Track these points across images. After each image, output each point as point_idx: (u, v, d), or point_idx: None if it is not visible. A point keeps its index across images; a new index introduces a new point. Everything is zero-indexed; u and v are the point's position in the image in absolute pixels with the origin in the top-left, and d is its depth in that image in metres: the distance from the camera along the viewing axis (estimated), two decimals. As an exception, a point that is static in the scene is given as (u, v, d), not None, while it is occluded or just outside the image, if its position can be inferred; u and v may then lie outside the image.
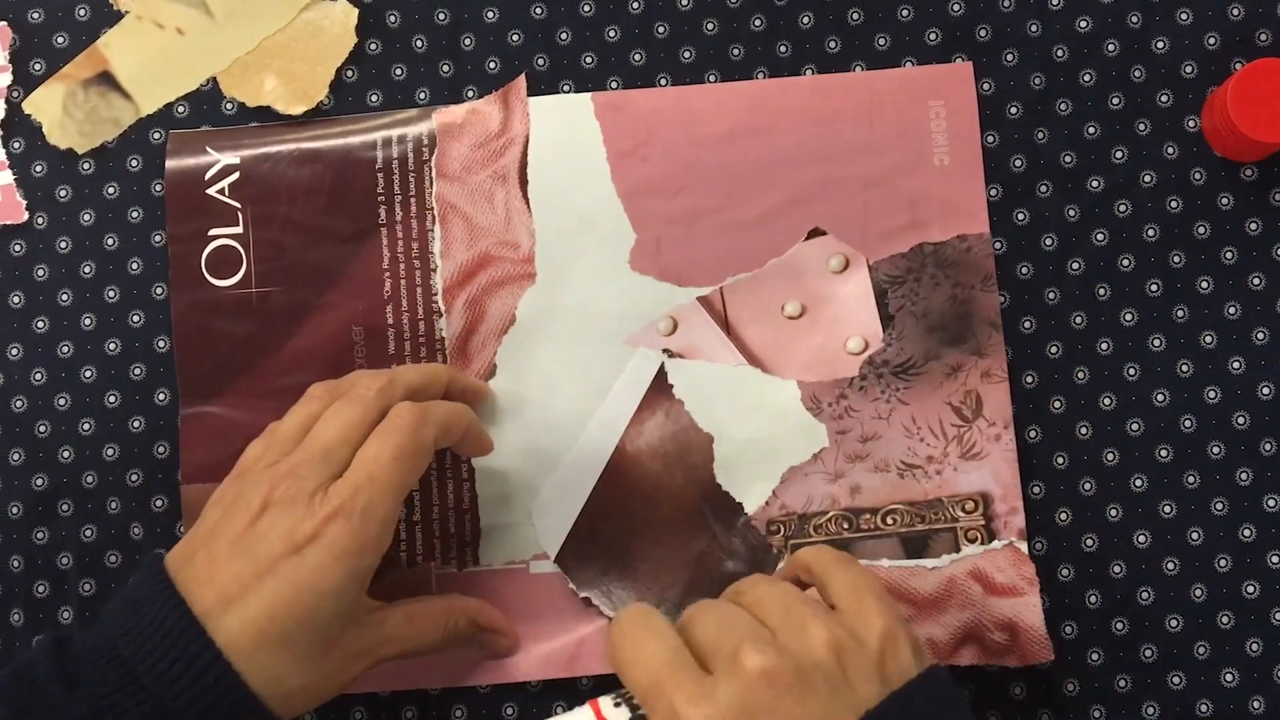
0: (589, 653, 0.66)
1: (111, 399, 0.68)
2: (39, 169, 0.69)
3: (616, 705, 0.53)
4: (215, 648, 0.53)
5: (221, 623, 0.54)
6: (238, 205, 0.68)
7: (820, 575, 0.57)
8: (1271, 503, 0.66)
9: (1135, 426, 0.66)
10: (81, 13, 0.70)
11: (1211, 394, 0.66)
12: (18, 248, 0.69)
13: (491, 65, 0.69)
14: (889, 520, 0.66)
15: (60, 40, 0.69)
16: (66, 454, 0.68)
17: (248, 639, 0.54)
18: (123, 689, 0.52)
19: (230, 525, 0.56)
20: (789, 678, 0.49)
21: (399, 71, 0.69)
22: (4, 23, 0.69)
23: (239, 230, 0.68)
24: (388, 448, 0.57)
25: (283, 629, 0.54)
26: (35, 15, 0.69)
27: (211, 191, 0.68)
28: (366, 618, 0.59)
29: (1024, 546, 0.65)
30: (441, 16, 0.69)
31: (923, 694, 0.51)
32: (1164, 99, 0.68)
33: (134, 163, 0.69)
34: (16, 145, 0.69)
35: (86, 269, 0.69)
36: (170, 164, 0.68)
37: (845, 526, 0.66)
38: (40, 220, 0.69)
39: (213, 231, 0.68)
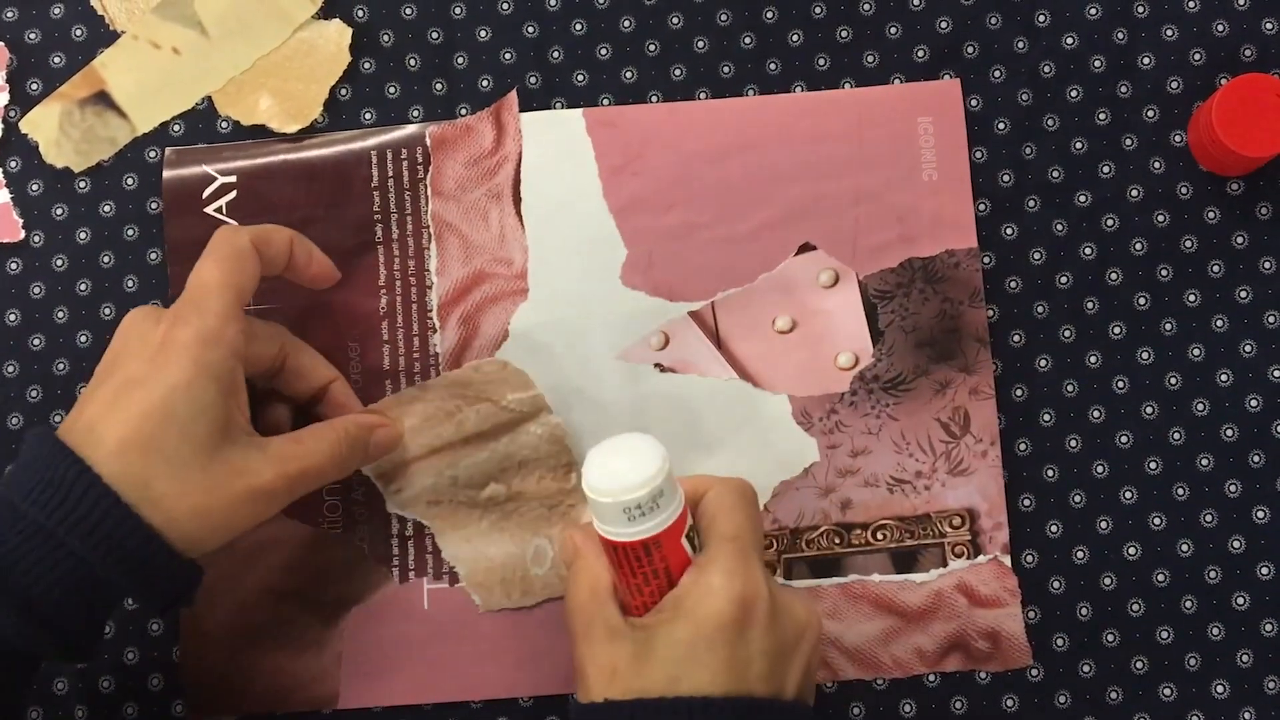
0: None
1: (107, 415, 0.68)
2: (35, 188, 0.69)
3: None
4: (83, 463, 0.54)
5: (91, 444, 0.55)
6: (235, 223, 0.68)
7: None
8: (1261, 514, 0.66)
9: (1125, 439, 0.67)
10: (78, 33, 0.70)
11: (1200, 406, 0.67)
12: (14, 266, 0.69)
13: (484, 83, 0.69)
14: (879, 535, 0.66)
15: (57, 60, 0.70)
16: (62, 470, 0.68)
17: (113, 449, 0.54)
18: (14, 528, 0.54)
19: (102, 367, 0.58)
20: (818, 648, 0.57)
21: (392, 90, 0.70)
22: (1, 43, 0.70)
23: (235, 248, 0.68)
24: (208, 259, 0.59)
25: (144, 431, 0.55)
26: (32, 35, 0.70)
27: (209, 210, 0.69)
28: (248, 439, 0.59)
29: (1007, 560, 0.66)
30: (434, 35, 0.70)
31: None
32: (1150, 114, 0.68)
33: (130, 181, 0.69)
34: (13, 164, 0.70)
35: (83, 287, 0.69)
36: (168, 178, 0.69)
37: (836, 541, 0.66)
38: (37, 238, 0.69)
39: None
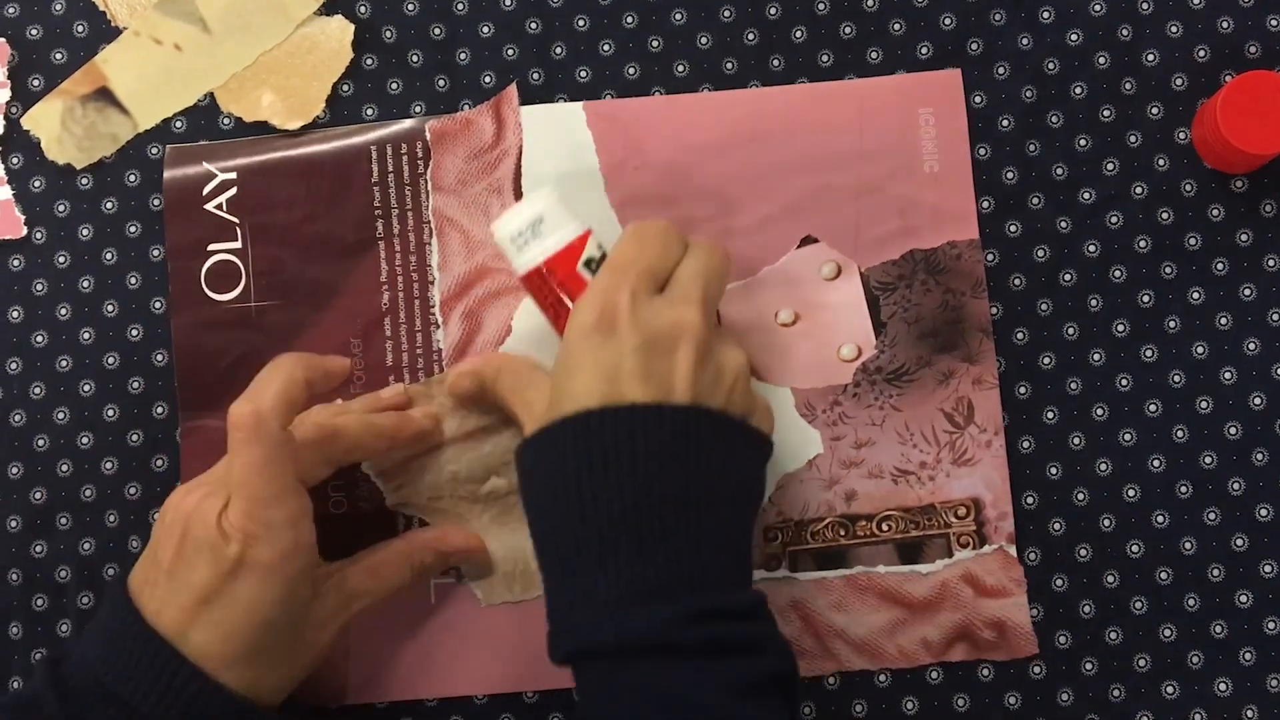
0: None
1: (110, 413, 0.68)
2: (38, 184, 0.69)
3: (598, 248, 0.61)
4: (195, 667, 0.55)
5: (198, 655, 0.56)
6: (236, 220, 0.68)
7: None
8: (1264, 512, 0.66)
9: (1128, 437, 0.67)
10: (80, 29, 0.70)
11: (1204, 404, 0.67)
12: (16, 262, 0.69)
13: (486, 79, 0.69)
14: (884, 527, 0.66)
15: (59, 56, 0.70)
16: (65, 468, 0.68)
17: (214, 658, 0.56)
18: None
19: (164, 553, 0.57)
20: (703, 342, 0.57)
21: (394, 86, 0.69)
22: (2, 39, 0.70)
23: (238, 245, 0.68)
24: (240, 463, 0.57)
25: (244, 645, 0.56)
26: (34, 31, 0.70)
27: (210, 207, 0.69)
28: (326, 585, 0.60)
29: (1013, 550, 0.66)
30: (437, 31, 0.70)
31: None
32: (1154, 111, 0.68)
33: (132, 178, 0.69)
34: (15, 161, 0.69)
35: (85, 283, 0.69)
36: (168, 177, 0.69)
37: (841, 533, 0.66)
38: (39, 235, 0.69)
39: (211, 246, 0.68)
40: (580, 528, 0.53)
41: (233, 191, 0.69)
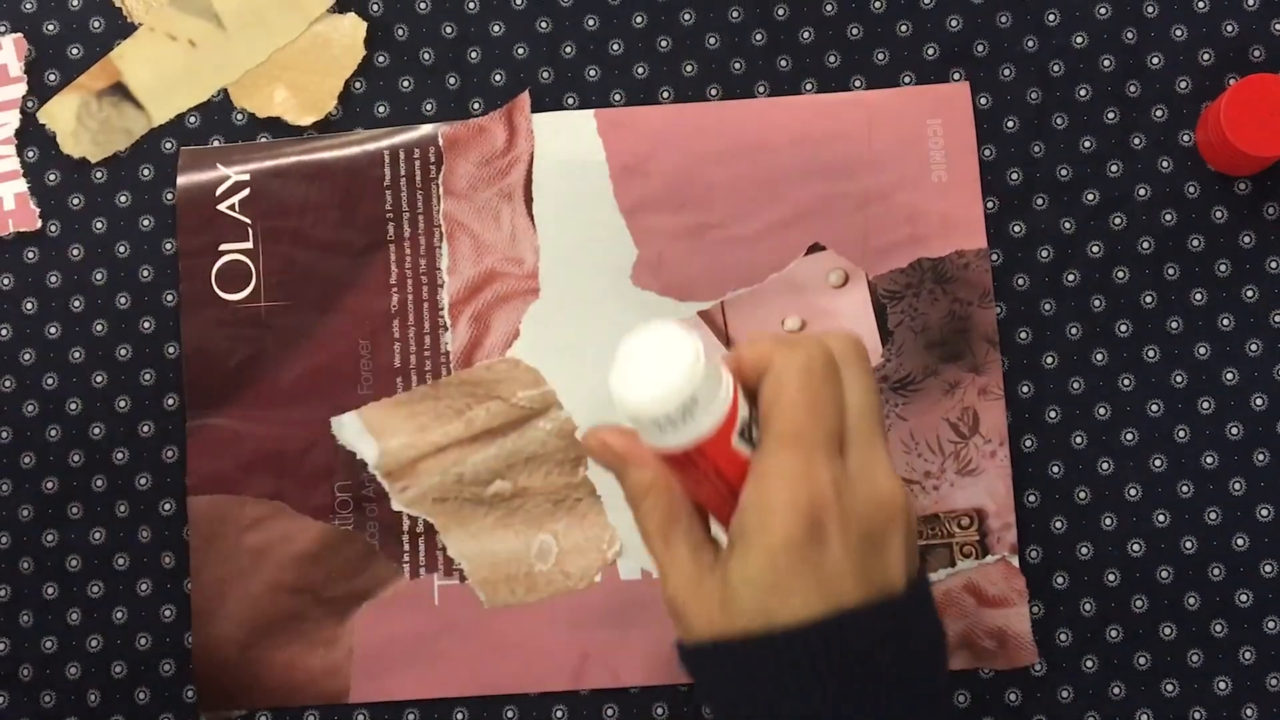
0: (594, 668, 0.66)
1: (121, 404, 0.69)
2: (52, 178, 0.70)
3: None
4: None
5: None
6: (248, 221, 0.69)
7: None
8: (1265, 512, 0.67)
9: (1130, 436, 0.67)
10: (96, 25, 0.71)
11: (1205, 405, 0.67)
12: (31, 254, 0.70)
13: (497, 78, 0.70)
14: (887, 533, 0.67)
15: (75, 51, 0.71)
16: (76, 458, 0.69)
17: None
18: None
19: None
20: (911, 528, 0.51)
21: (406, 83, 0.70)
22: (19, 34, 0.71)
23: (249, 245, 0.69)
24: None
25: None
26: (50, 27, 0.71)
27: (222, 207, 0.69)
28: None
29: (1015, 560, 0.66)
30: (448, 30, 0.70)
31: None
32: (1159, 114, 0.69)
33: (146, 172, 0.70)
34: (31, 154, 0.70)
35: (98, 276, 0.70)
36: (181, 180, 0.70)
37: (844, 536, 0.67)
38: (53, 228, 0.70)
39: (223, 246, 0.69)
40: None
41: (245, 193, 0.69)
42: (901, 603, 0.49)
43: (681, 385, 0.47)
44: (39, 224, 0.70)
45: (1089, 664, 0.66)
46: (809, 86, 0.69)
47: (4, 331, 0.69)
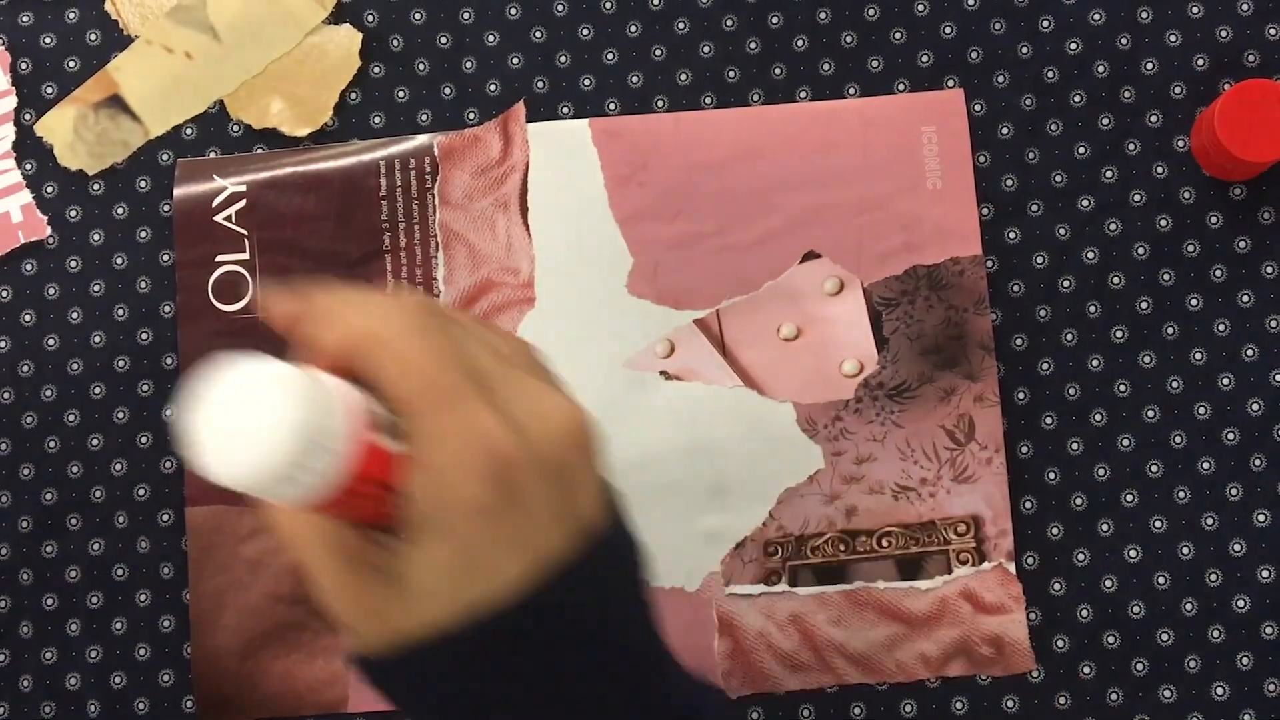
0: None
1: (120, 415, 0.69)
2: (50, 190, 0.70)
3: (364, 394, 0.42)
4: None
5: None
6: (244, 232, 0.69)
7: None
8: (1261, 518, 0.67)
9: (1126, 442, 0.67)
10: (92, 37, 0.71)
11: (1201, 410, 0.67)
12: (29, 266, 0.70)
13: (492, 87, 0.70)
14: (884, 543, 0.67)
15: (72, 64, 0.71)
16: (75, 469, 0.69)
17: None
18: None
19: None
20: (593, 453, 0.44)
21: (401, 94, 0.70)
22: (2, 48, 0.71)
23: (245, 256, 0.69)
24: None
25: None
26: (47, 39, 0.71)
27: (219, 218, 0.70)
28: None
29: (1012, 567, 0.66)
30: (443, 40, 0.70)
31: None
32: (1153, 119, 0.69)
33: (143, 184, 0.70)
34: (29, 166, 0.71)
35: (96, 288, 0.70)
36: (178, 192, 0.70)
37: (842, 549, 0.67)
38: (51, 240, 0.70)
39: (220, 258, 0.69)
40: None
41: (242, 204, 0.69)
42: (609, 537, 0.43)
43: (286, 447, 0.38)
44: (49, 230, 0.70)
45: (1086, 670, 0.66)
46: (803, 94, 0.69)
47: (3, 343, 0.70)
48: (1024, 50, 0.69)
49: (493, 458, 0.40)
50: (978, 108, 0.69)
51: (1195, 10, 0.69)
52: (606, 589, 0.44)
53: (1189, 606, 0.66)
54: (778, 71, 0.70)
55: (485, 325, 0.46)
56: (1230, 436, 0.67)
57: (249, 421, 0.38)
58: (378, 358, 0.41)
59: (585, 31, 0.70)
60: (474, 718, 0.43)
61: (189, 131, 0.71)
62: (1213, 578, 0.66)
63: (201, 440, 0.38)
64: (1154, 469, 0.67)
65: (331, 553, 0.42)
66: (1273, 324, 0.67)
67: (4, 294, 0.70)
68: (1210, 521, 0.67)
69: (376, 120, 0.70)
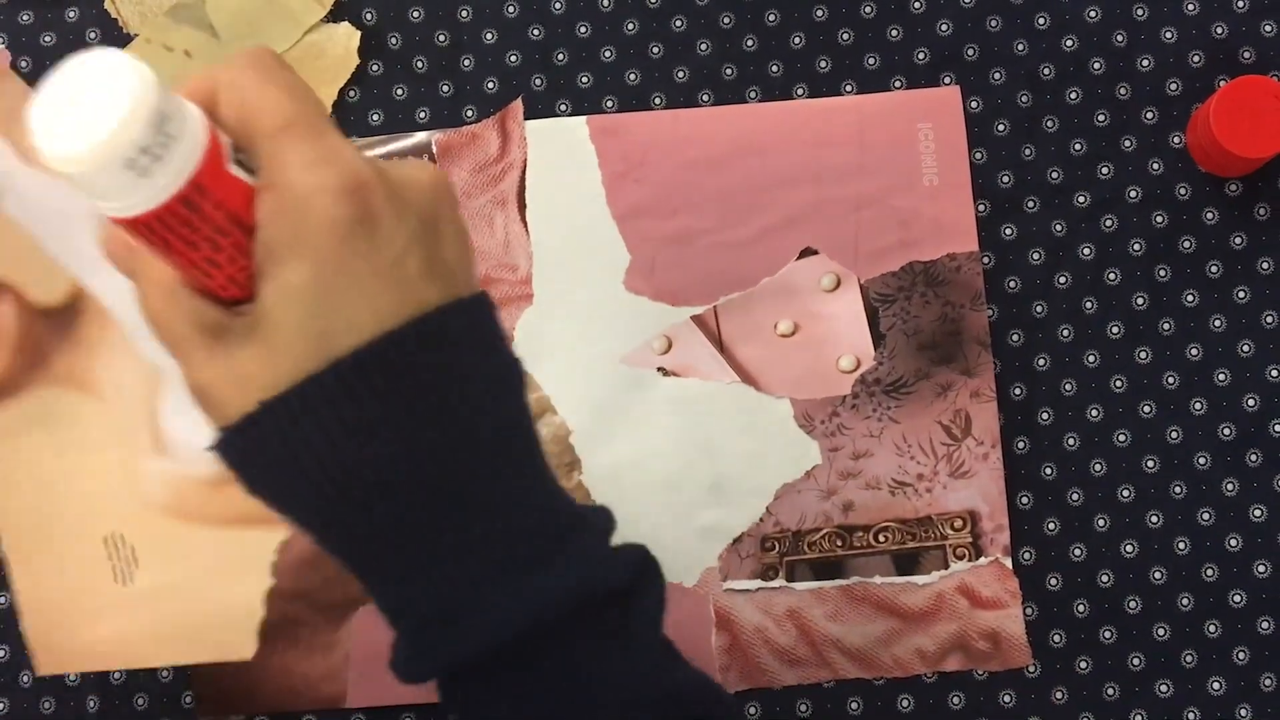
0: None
1: (119, 413, 0.69)
2: (50, 188, 0.71)
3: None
4: None
5: None
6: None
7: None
8: (1258, 513, 0.67)
9: (1122, 438, 0.67)
10: (92, 35, 0.71)
11: (1198, 405, 0.67)
12: (29, 265, 0.70)
13: (490, 85, 0.70)
14: (881, 538, 0.67)
15: (71, 63, 0.71)
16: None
17: None
18: None
19: None
20: (450, 207, 0.41)
21: (400, 92, 0.71)
22: (2, 47, 0.71)
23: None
24: None
25: None
26: (48, 38, 0.71)
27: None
28: None
29: (1008, 562, 0.66)
30: (441, 38, 0.71)
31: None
32: (1149, 116, 0.69)
33: (142, 182, 0.70)
34: (28, 165, 0.71)
35: (96, 286, 0.70)
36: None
37: (839, 544, 0.67)
38: (51, 238, 0.70)
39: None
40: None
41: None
42: (476, 302, 0.41)
43: (142, 99, 0.35)
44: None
45: (1083, 665, 0.66)
46: (800, 91, 0.70)
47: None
48: (1020, 47, 0.69)
49: (352, 178, 0.38)
50: (974, 104, 0.69)
51: (1191, 7, 0.69)
52: (477, 351, 0.41)
53: (1185, 601, 0.67)
54: (775, 69, 0.70)
55: None
56: (1226, 432, 0.67)
57: (93, 100, 0.35)
58: (230, 96, 0.39)
59: (583, 29, 0.71)
60: (338, 493, 0.39)
61: (188, 130, 0.71)
62: (1209, 573, 0.67)
63: (42, 122, 0.35)
64: (1151, 464, 0.67)
65: (194, 327, 0.39)
66: (1269, 319, 0.68)
67: (4, 292, 0.70)
68: (1207, 517, 0.67)
69: (375, 118, 0.70)
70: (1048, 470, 0.67)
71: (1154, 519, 0.67)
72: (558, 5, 0.71)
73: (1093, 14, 0.69)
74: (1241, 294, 0.68)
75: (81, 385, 0.66)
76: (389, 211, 0.39)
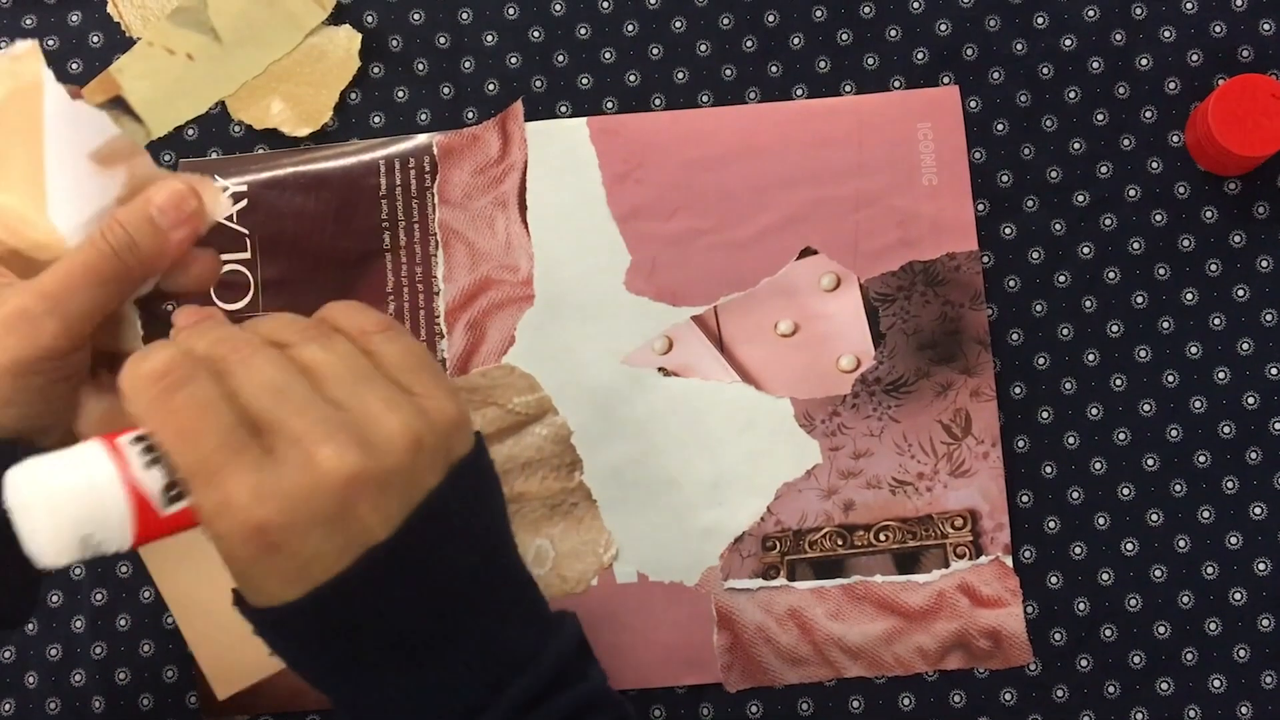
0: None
1: (123, 414, 0.70)
2: (53, 191, 0.71)
3: (146, 455, 0.43)
4: None
5: None
6: (245, 231, 0.70)
7: (365, 346, 0.46)
8: (1258, 511, 0.67)
9: (1122, 436, 0.68)
10: (95, 39, 0.72)
11: (1198, 404, 0.68)
12: (33, 268, 0.71)
13: (490, 87, 0.71)
14: (881, 537, 0.67)
15: (75, 66, 0.71)
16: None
17: None
18: None
19: None
20: (371, 484, 0.42)
21: (401, 94, 0.71)
22: None
23: (247, 256, 0.70)
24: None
25: None
26: (50, 42, 0.72)
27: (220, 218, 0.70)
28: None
29: (1009, 560, 0.67)
30: (442, 40, 0.71)
31: (473, 467, 0.46)
32: (1148, 115, 0.69)
33: (145, 185, 0.71)
34: (32, 169, 0.71)
35: (99, 288, 0.70)
36: (180, 187, 0.70)
37: (839, 543, 0.67)
38: (54, 241, 0.71)
39: (221, 257, 0.70)
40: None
41: (243, 204, 0.70)
42: (393, 545, 0.43)
43: (62, 535, 0.42)
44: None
45: (1084, 663, 0.67)
46: (799, 92, 0.70)
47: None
48: (1019, 47, 0.69)
49: (248, 530, 0.42)
50: (973, 104, 0.69)
51: (1189, 6, 0.69)
52: (478, 509, 0.46)
53: (1186, 599, 0.67)
54: (774, 69, 0.70)
55: (356, 309, 0.48)
56: (1226, 430, 0.67)
57: (31, 524, 0.42)
58: (148, 430, 0.43)
59: (583, 31, 0.71)
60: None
61: (190, 132, 0.71)
62: (1209, 571, 0.67)
63: (16, 524, 0.43)
64: (1150, 463, 0.67)
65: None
66: (1268, 317, 0.68)
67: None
68: (1207, 515, 0.67)
69: (376, 120, 0.71)
70: (1048, 469, 0.67)
71: (1154, 517, 0.67)
72: (558, 7, 0.71)
73: (1091, 13, 0.69)
74: (1241, 292, 0.68)
75: None
76: (288, 537, 0.42)
